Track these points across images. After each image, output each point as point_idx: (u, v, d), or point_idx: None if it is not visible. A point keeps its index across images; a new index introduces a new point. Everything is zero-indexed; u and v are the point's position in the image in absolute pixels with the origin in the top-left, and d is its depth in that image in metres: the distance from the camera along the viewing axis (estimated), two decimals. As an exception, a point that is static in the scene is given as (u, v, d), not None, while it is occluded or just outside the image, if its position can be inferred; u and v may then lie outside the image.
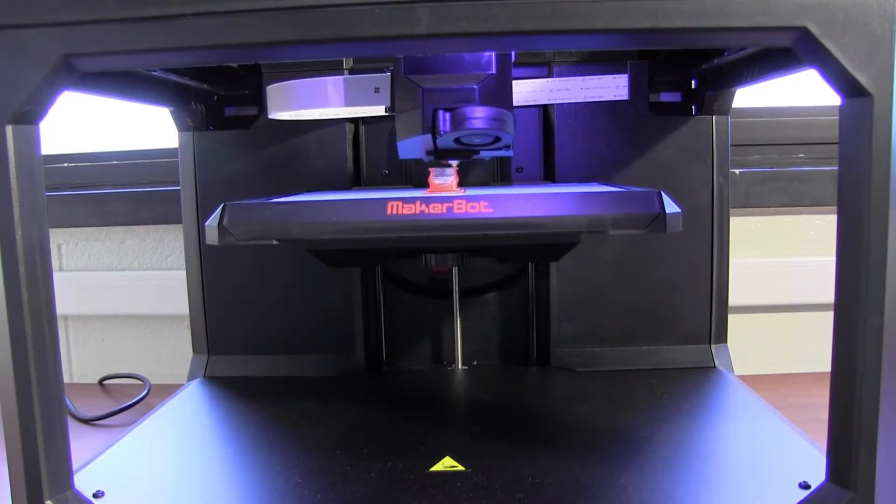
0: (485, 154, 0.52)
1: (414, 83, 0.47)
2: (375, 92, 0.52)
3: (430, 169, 0.52)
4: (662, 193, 0.41)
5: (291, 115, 0.56)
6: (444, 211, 0.40)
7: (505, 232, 0.40)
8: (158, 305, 0.85)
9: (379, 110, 0.53)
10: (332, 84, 0.53)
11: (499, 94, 0.48)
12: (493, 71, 0.47)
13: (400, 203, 0.40)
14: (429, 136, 0.48)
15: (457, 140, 0.48)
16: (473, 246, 0.52)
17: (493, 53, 0.47)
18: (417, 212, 0.40)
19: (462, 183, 0.61)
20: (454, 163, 0.52)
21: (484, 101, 0.47)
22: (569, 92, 0.63)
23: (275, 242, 0.42)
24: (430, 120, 0.47)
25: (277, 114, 0.55)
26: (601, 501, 0.40)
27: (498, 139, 0.48)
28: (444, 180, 0.51)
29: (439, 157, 0.52)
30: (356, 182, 0.67)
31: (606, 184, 0.59)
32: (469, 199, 0.40)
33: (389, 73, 0.52)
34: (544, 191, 0.43)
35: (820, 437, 0.39)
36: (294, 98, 0.54)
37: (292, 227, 0.41)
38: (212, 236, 0.42)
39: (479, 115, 0.47)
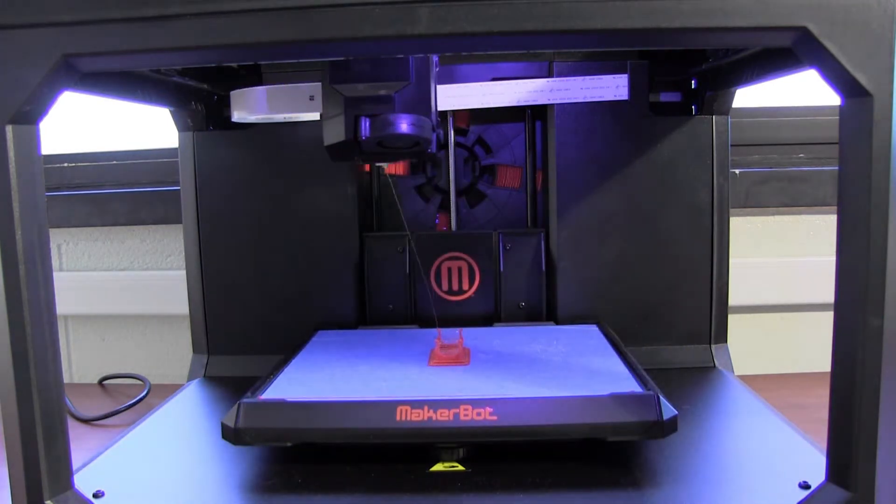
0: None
1: (338, 92, 0.49)
2: (310, 100, 0.54)
3: (438, 335, 0.57)
4: (660, 397, 0.43)
5: (251, 119, 0.59)
6: (451, 418, 0.43)
7: (509, 438, 0.43)
8: (158, 305, 0.85)
9: (314, 116, 0.55)
10: (272, 93, 0.55)
11: (417, 101, 0.50)
12: (412, 80, 0.49)
13: (408, 408, 0.43)
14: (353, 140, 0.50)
15: (379, 143, 0.50)
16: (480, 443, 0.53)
17: (412, 62, 0.49)
18: (425, 418, 0.43)
19: (465, 320, 0.66)
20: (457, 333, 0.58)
21: (403, 109, 0.50)
22: (569, 92, 0.63)
23: (289, 444, 0.45)
24: (352, 126, 0.49)
25: (237, 118, 0.58)
26: (601, 501, 0.40)
27: (418, 143, 0.50)
28: (450, 352, 0.55)
29: (365, 159, 0.53)
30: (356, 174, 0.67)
31: (605, 334, 0.60)
32: (475, 404, 0.43)
33: (321, 83, 0.54)
34: (547, 393, 0.45)
35: (820, 437, 0.39)
36: (246, 104, 0.56)
37: (305, 433, 0.44)
38: (227, 435, 0.44)
39: (397, 122, 0.49)
